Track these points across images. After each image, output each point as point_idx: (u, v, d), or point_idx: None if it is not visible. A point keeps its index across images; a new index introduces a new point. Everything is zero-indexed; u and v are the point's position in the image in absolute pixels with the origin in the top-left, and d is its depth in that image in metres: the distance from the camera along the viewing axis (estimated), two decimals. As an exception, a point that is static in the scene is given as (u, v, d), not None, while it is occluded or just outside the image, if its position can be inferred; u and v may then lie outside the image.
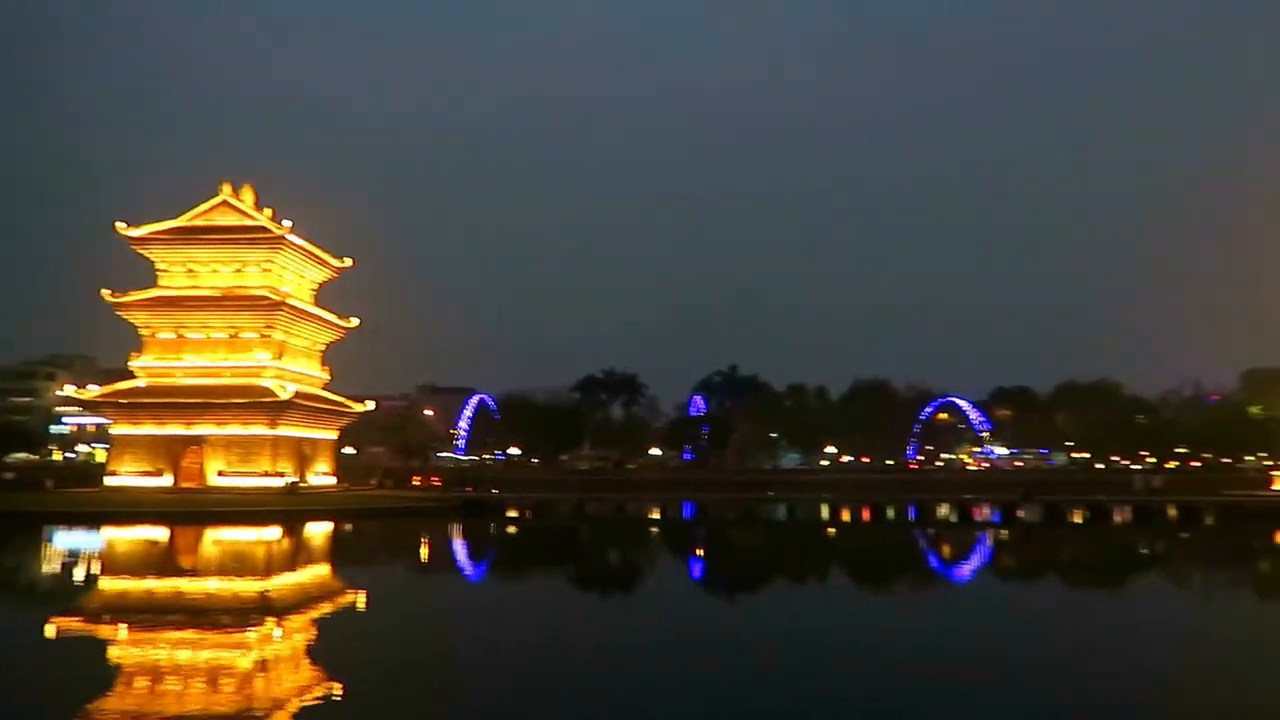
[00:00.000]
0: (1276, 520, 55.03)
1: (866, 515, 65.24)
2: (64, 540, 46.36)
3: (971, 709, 14.69)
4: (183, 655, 18.53)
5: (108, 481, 71.91)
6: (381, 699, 14.84)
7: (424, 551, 45.59)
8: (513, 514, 67.99)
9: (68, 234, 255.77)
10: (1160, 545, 48.88)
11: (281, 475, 71.44)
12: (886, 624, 23.82)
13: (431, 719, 14.39)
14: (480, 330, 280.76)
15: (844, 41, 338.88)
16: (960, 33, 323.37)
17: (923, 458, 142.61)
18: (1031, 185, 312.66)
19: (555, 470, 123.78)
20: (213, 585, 29.75)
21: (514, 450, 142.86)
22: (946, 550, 46.75)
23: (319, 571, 36.22)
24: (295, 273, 79.06)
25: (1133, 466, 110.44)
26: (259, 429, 71.89)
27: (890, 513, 65.95)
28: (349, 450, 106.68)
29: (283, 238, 74.30)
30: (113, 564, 38.24)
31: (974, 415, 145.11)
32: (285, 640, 20.59)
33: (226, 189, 76.35)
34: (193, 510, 55.95)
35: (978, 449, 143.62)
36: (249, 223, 75.80)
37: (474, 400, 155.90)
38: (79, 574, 34.65)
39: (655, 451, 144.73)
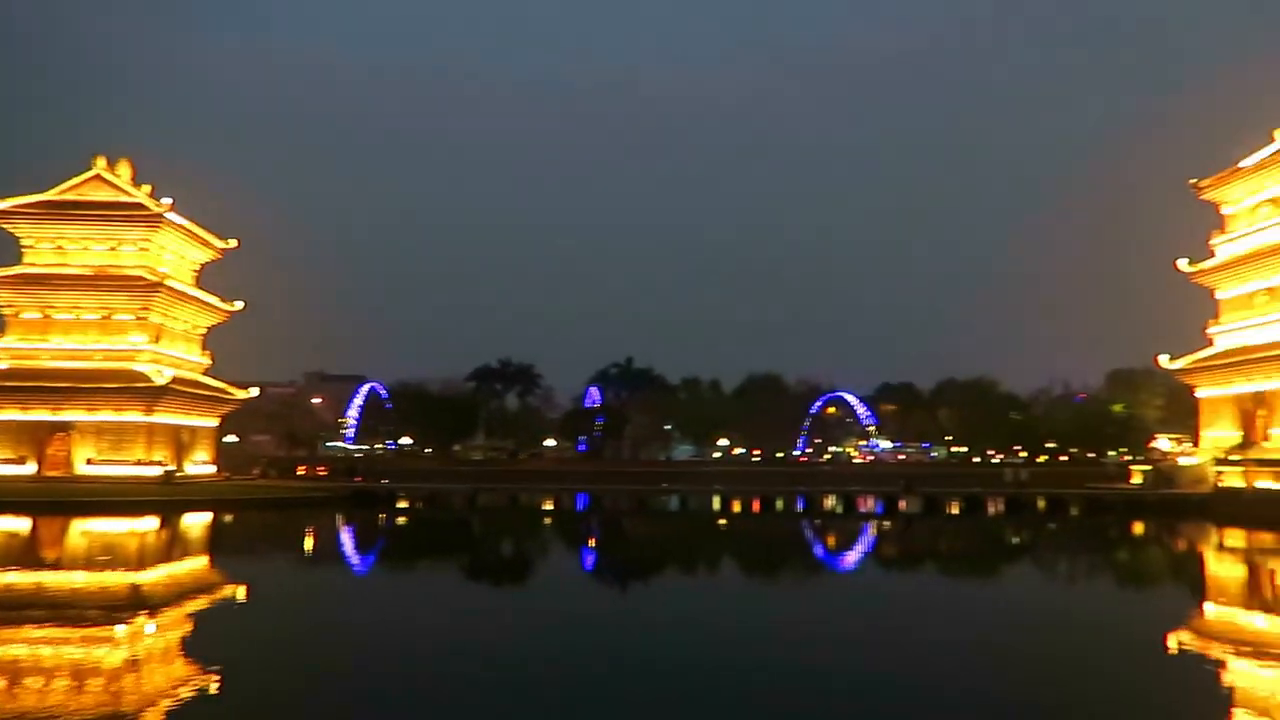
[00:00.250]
0: (1133, 512, 58.81)
1: (757, 506, 66.72)
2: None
3: (820, 688, 15.42)
4: (45, 653, 17.64)
5: (-36, 470, 67.52)
6: (256, 695, 14.50)
7: (309, 543, 44.47)
8: (404, 505, 66.97)
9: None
10: (1028, 534, 51.64)
11: (157, 464, 68.49)
12: (759, 610, 24.53)
13: (306, 713, 14.11)
14: (375, 318, 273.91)
15: (724, 38, 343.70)
16: (847, 32, 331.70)
17: (812, 450, 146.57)
18: (909, 191, 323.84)
19: (448, 461, 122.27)
20: (80, 579, 28.35)
21: (406, 440, 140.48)
22: (831, 540, 48.28)
23: (196, 564, 34.91)
24: (175, 253, 75.71)
25: (1006, 460, 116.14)
26: (133, 415, 68.71)
27: (779, 504, 67.60)
28: (231, 439, 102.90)
29: (161, 216, 71.02)
30: (-33, 557, 35.98)
31: (861, 410, 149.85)
32: (157, 636, 19.84)
33: (100, 163, 72.40)
34: (59, 500, 53.16)
35: (864, 443, 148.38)
36: (125, 199, 72.18)
37: (365, 389, 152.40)
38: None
39: (550, 442, 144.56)
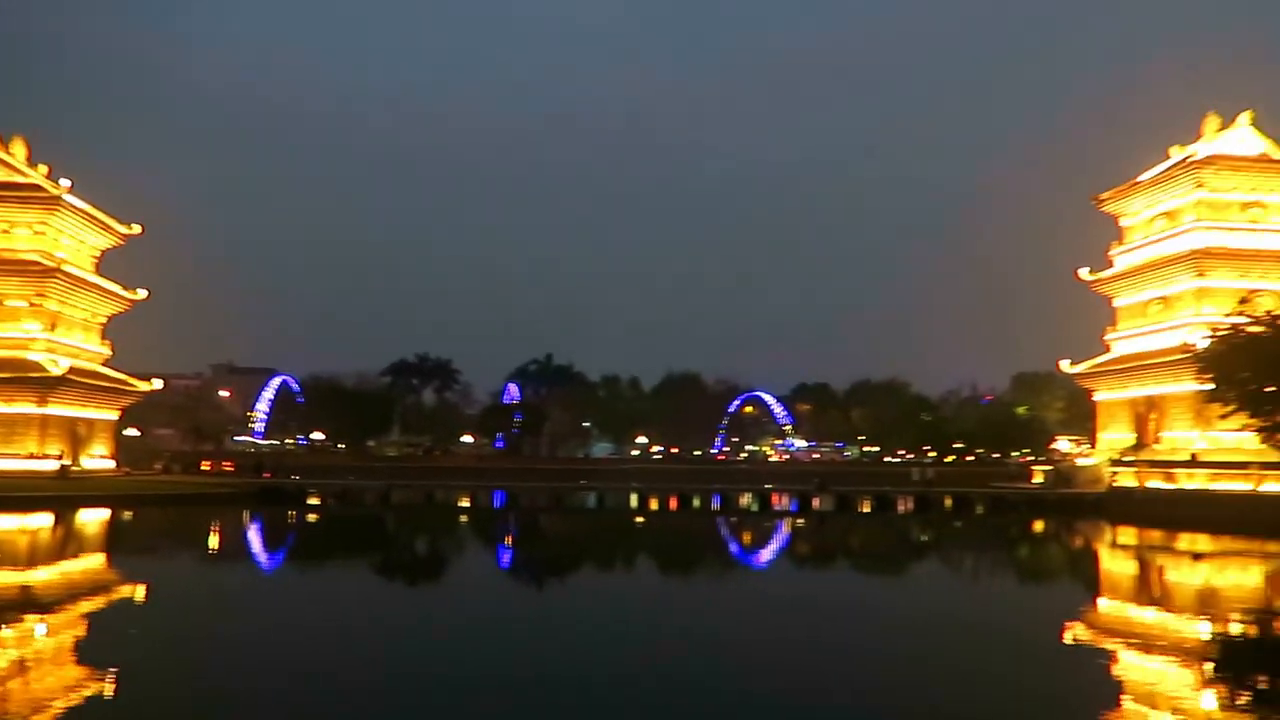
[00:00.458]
0: (1034, 510, 61.13)
1: (674, 504, 67.18)
2: None
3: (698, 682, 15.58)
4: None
5: None
6: (149, 700, 13.97)
7: (213, 541, 43.07)
8: (314, 501, 65.44)
9: None
10: (935, 532, 53.22)
11: (52, 458, 65.45)
12: (642, 610, 24.52)
13: (203, 715, 13.67)
14: (288, 311, 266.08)
15: (637, 36, 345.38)
16: (758, 30, 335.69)
17: (729, 449, 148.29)
18: (825, 195, 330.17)
19: (362, 457, 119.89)
20: (-37, 579, 26.89)
21: (318, 435, 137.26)
22: (746, 538, 48.91)
23: (92, 563, 33.44)
24: (74, 237, 72.48)
25: (914, 460, 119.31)
26: (25, 406, 65.60)
27: (696, 502, 68.19)
28: (133, 432, 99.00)
29: (59, 198, 67.88)
30: None
31: (778, 410, 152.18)
32: (48, 638, 18.94)
33: (-9, 140, 68.99)
34: (-59, 496, 50.31)
35: (780, 441, 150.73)
36: (19, 179, 68.80)
37: (276, 382, 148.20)
38: None
39: (468, 439, 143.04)
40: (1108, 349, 77.12)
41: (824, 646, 19.05)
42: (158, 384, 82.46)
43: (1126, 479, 65.50)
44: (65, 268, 68.56)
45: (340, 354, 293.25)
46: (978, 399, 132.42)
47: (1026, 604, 28.61)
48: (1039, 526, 54.27)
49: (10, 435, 65.38)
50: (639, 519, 59.21)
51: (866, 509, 64.78)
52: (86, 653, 17.80)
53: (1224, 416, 57.42)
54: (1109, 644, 20.19)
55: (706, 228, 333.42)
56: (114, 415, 78.51)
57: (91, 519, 47.25)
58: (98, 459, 73.88)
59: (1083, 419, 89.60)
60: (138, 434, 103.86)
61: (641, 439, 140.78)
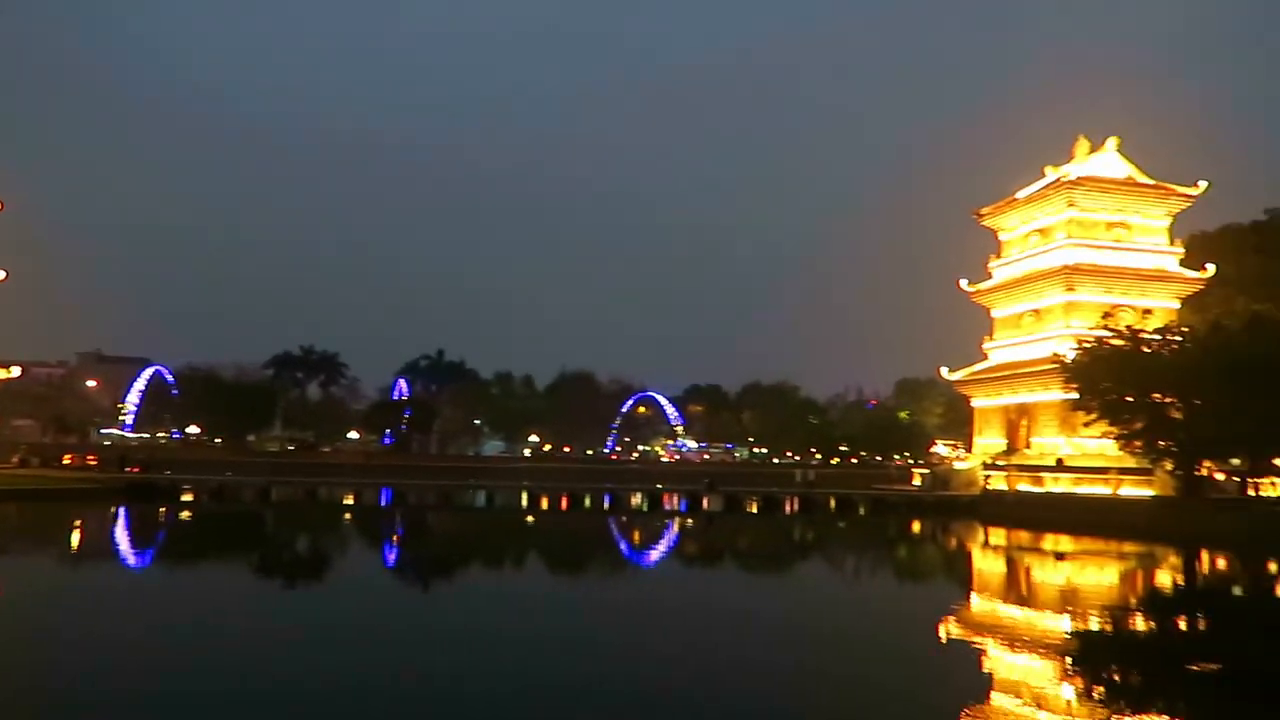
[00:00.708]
0: (913, 511, 63.25)
1: (565, 503, 66.83)
2: None
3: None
4: None
5: None
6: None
7: (74, 539, 40.59)
8: (188, 498, 62.48)
9: None
10: (818, 532, 54.53)
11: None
12: (534, 609, 24.35)
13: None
14: (164, 298, 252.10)
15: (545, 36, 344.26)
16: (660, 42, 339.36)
17: (621, 449, 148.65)
18: (719, 199, 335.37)
19: (241, 452, 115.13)
20: None
21: (194, 429, 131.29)
22: (635, 537, 49.01)
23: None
24: (-77, 212, 67.30)
25: (799, 461, 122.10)
26: None
27: (587, 501, 67.99)
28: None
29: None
30: None
31: (670, 410, 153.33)
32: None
33: None
34: None
35: (671, 442, 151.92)
36: None
37: (148, 372, 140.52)
38: None
39: (354, 435, 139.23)
40: (985, 357, 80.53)
41: (698, 648, 19.12)
42: (15, 372, 77.47)
43: (999, 482, 68.52)
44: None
45: (220, 346, 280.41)
46: (863, 403, 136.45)
47: (904, 602, 29.55)
48: (917, 527, 56.18)
49: None
50: (529, 518, 58.68)
51: (754, 509, 65.85)
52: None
53: (1087, 424, 60.60)
54: (979, 640, 21.00)
55: (602, 230, 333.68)
56: (-35, 404, 73.37)
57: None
58: (-54, 451, 68.81)
59: (961, 424, 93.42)
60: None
61: (534, 437, 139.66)
